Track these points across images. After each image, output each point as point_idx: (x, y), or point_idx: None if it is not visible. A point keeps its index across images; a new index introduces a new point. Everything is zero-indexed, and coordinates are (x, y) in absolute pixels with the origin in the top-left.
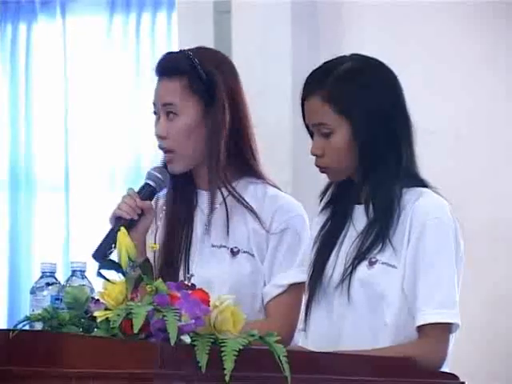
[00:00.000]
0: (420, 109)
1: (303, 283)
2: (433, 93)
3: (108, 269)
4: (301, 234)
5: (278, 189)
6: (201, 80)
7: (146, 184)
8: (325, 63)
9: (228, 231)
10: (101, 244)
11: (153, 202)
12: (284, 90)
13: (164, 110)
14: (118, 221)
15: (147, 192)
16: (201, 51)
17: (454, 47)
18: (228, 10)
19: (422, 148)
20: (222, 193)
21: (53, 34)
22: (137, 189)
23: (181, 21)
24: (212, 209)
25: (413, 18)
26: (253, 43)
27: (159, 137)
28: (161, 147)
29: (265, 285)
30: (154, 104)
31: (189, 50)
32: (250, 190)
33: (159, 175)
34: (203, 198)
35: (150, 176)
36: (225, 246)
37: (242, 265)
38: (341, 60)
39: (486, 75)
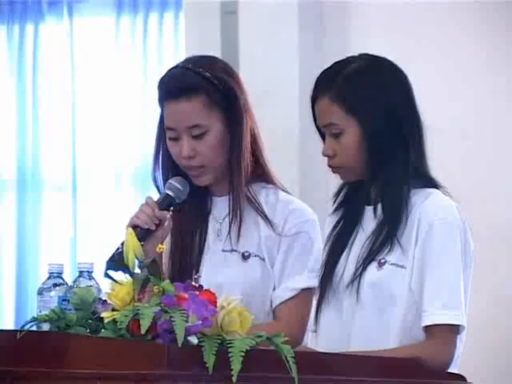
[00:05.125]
0: (425, 108)
1: (314, 288)
2: (438, 92)
3: (115, 270)
4: (313, 238)
5: (290, 194)
6: (218, 91)
7: (166, 194)
8: (334, 64)
9: (239, 235)
10: (115, 252)
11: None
12: (291, 90)
13: (188, 132)
14: (134, 229)
15: (166, 202)
16: (203, 61)
17: (456, 47)
18: (235, 11)
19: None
20: (229, 199)
21: (60, 35)
22: (155, 198)
23: (188, 21)
24: (236, 214)
25: (419, 18)
26: (259, 44)
27: (188, 157)
28: (188, 166)
29: (274, 288)
30: (172, 129)
31: (190, 63)
32: (262, 195)
33: (179, 186)
34: (217, 204)
35: (169, 186)
36: (235, 251)
37: (253, 268)
38: (350, 60)
39: (487, 75)
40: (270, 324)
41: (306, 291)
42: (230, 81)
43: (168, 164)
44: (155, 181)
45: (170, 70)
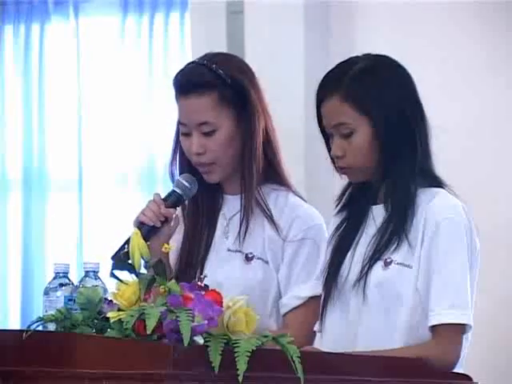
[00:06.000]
0: (428, 108)
1: (321, 296)
2: (438, 92)
3: (121, 269)
4: (319, 244)
5: (301, 198)
6: (231, 89)
7: (173, 191)
8: (338, 64)
9: (245, 237)
10: (121, 247)
11: (178, 210)
12: (296, 90)
13: (198, 128)
14: (140, 226)
15: (173, 199)
16: (219, 58)
17: (456, 47)
18: (241, 11)
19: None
20: (241, 198)
21: (66, 35)
22: (163, 195)
23: (194, 21)
24: (247, 213)
25: (424, 18)
26: (265, 43)
27: (197, 154)
28: (198, 162)
29: (280, 292)
30: (183, 124)
31: (206, 60)
32: (271, 197)
33: (187, 184)
34: (228, 202)
35: (177, 184)
36: (240, 251)
37: (254, 271)
38: (354, 60)
39: (487, 75)
40: (276, 332)
41: (314, 299)
42: (244, 80)
43: (184, 160)
44: (172, 176)
45: (186, 65)
